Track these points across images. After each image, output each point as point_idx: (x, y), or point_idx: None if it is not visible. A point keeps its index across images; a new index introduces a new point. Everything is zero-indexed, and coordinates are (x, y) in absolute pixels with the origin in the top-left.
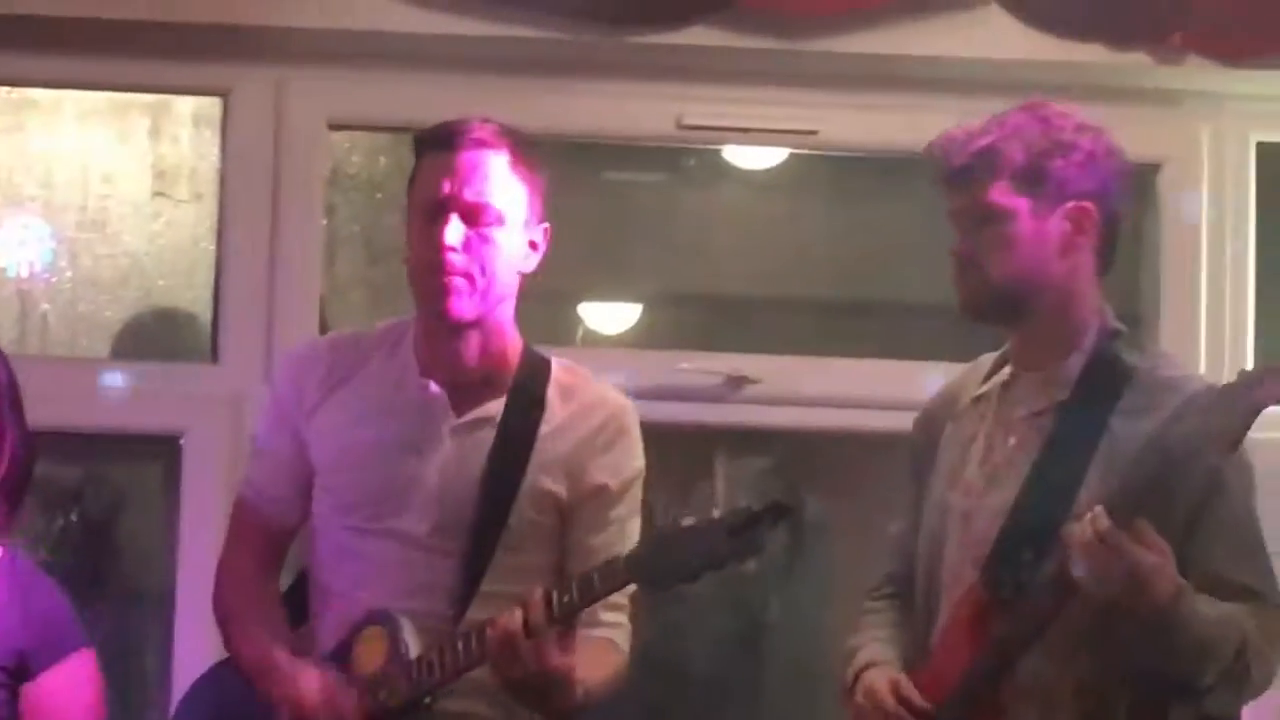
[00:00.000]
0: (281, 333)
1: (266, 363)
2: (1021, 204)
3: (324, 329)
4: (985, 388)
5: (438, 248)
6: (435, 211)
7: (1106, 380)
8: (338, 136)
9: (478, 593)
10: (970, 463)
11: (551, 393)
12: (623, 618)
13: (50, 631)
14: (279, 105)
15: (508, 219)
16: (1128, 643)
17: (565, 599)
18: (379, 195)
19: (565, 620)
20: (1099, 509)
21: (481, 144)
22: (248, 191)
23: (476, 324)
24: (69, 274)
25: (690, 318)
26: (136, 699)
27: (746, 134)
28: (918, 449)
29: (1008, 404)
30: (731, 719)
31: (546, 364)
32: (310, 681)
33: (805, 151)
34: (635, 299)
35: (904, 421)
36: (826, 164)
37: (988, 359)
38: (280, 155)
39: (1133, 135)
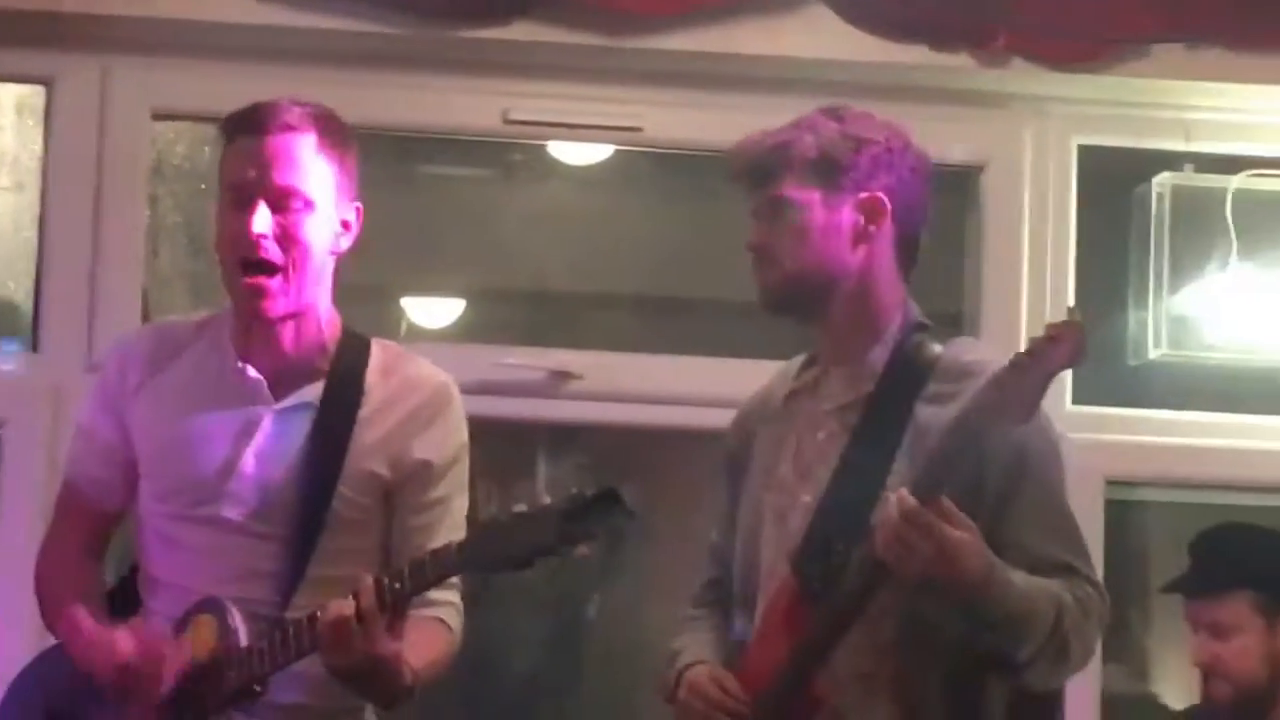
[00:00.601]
0: (103, 323)
1: (87, 352)
2: (813, 196)
3: (146, 319)
4: (796, 386)
5: (246, 238)
6: (242, 198)
7: (911, 370)
8: (161, 127)
9: (304, 578)
10: (783, 461)
11: (371, 374)
12: (454, 596)
13: None
14: (103, 94)
15: (317, 203)
16: (942, 622)
17: (397, 586)
18: (203, 186)
19: (397, 607)
20: (903, 490)
21: (288, 128)
22: (70, 181)
23: (292, 315)
24: None
25: (513, 313)
26: None
27: (572, 130)
28: (733, 452)
29: (817, 400)
30: (552, 715)
31: (366, 345)
32: (124, 641)
33: (630, 148)
34: (458, 294)
35: (725, 419)
36: (651, 161)
37: (799, 359)
38: (104, 145)
39: (956, 136)
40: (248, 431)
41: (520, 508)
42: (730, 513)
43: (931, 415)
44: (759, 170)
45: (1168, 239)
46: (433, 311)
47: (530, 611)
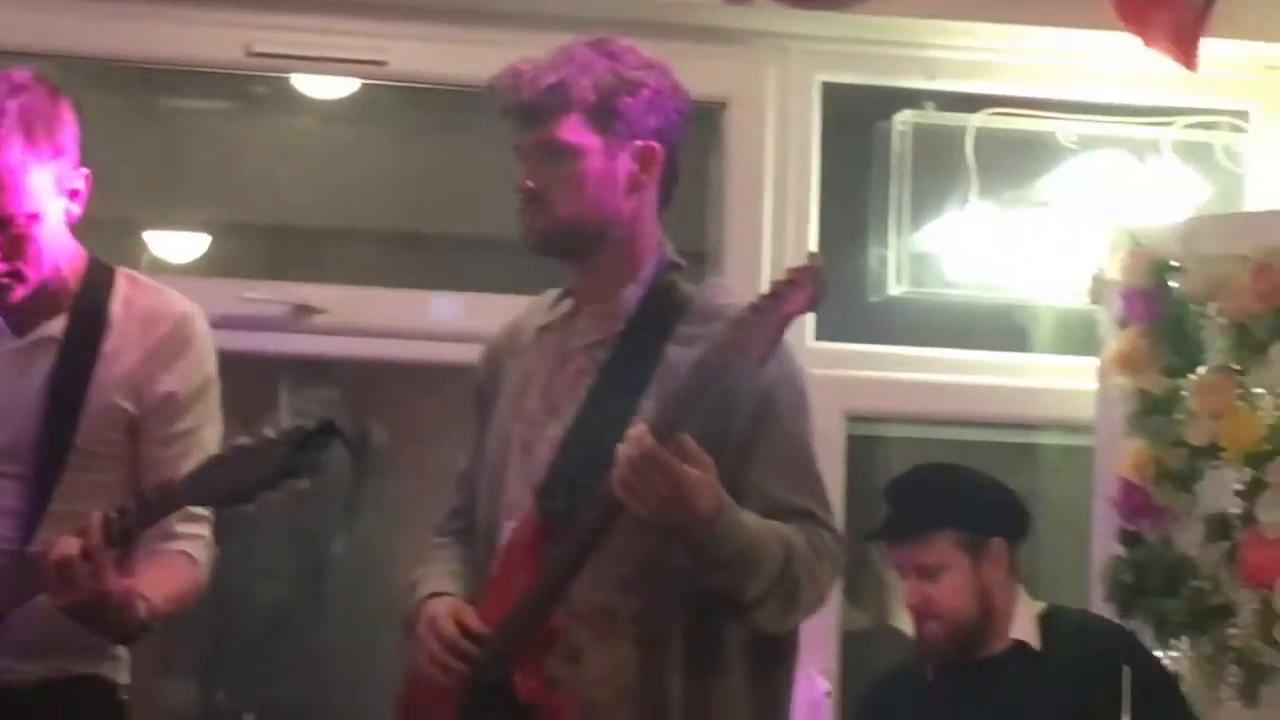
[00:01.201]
0: None
1: None
2: (593, 142)
3: None
4: (547, 321)
5: None
6: None
7: (662, 310)
8: None
9: (46, 514)
10: (531, 394)
11: (115, 306)
12: (202, 529)
13: None
14: None
15: (42, 209)
16: (676, 560)
17: (124, 521)
18: None
19: (123, 543)
20: (641, 427)
21: None
22: None
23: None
24: None
25: (257, 247)
26: None
27: (316, 63)
28: (481, 384)
29: (568, 336)
30: (296, 649)
31: (110, 276)
32: None
33: (375, 82)
34: (201, 228)
35: (469, 353)
36: (396, 95)
37: (552, 294)
38: None
39: (699, 73)
40: None
41: (242, 441)
42: (478, 443)
43: (681, 356)
44: (533, 110)
45: (909, 177)
46: (175, 246)
47: (277, 545)
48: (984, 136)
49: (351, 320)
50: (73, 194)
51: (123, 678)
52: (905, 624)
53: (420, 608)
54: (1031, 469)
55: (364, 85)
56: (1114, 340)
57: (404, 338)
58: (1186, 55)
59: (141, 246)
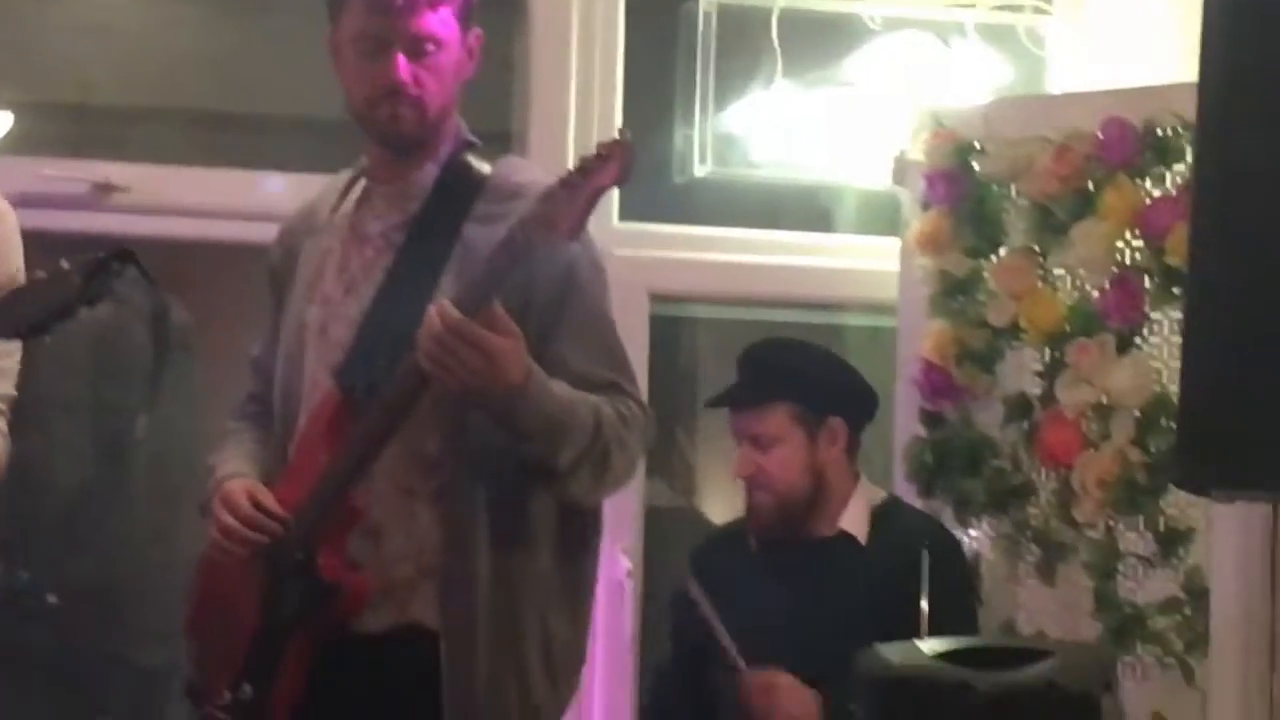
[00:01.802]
0: None
1: None
2: (454, 34)
3: None
4: (344, 201)
5: None
6: None
7: (459, 189)
8: None
9: None
10: (327, 275)
11: None
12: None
13: None
14: None
15: None
16: (485, 431)
17: None
18: None
19: None
20: (445, 302)
21: None
22: None
23: None
24: None
25: (59, 125)
26: None
27: None
28: (277, 266)
29: (364, 217)
30: (98, 531)
31: None
32: None
33: None
34: (3, 105)
35: (269, 233)
36: None
37: (346, 174)
38: None
39: None
40: None
41: (38, 274)
42: (273, 326)
43: (479, 235)
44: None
45: (713, 57)
46: None
47: (78, 426)
48: (789, 17)
49: (153, 199)
50: None
51: None
52: (709, 505)
53: (216, 488)
54: (835, 350)
55: None
56: (916, 221)
57: (207, 217)
58: None
59: None
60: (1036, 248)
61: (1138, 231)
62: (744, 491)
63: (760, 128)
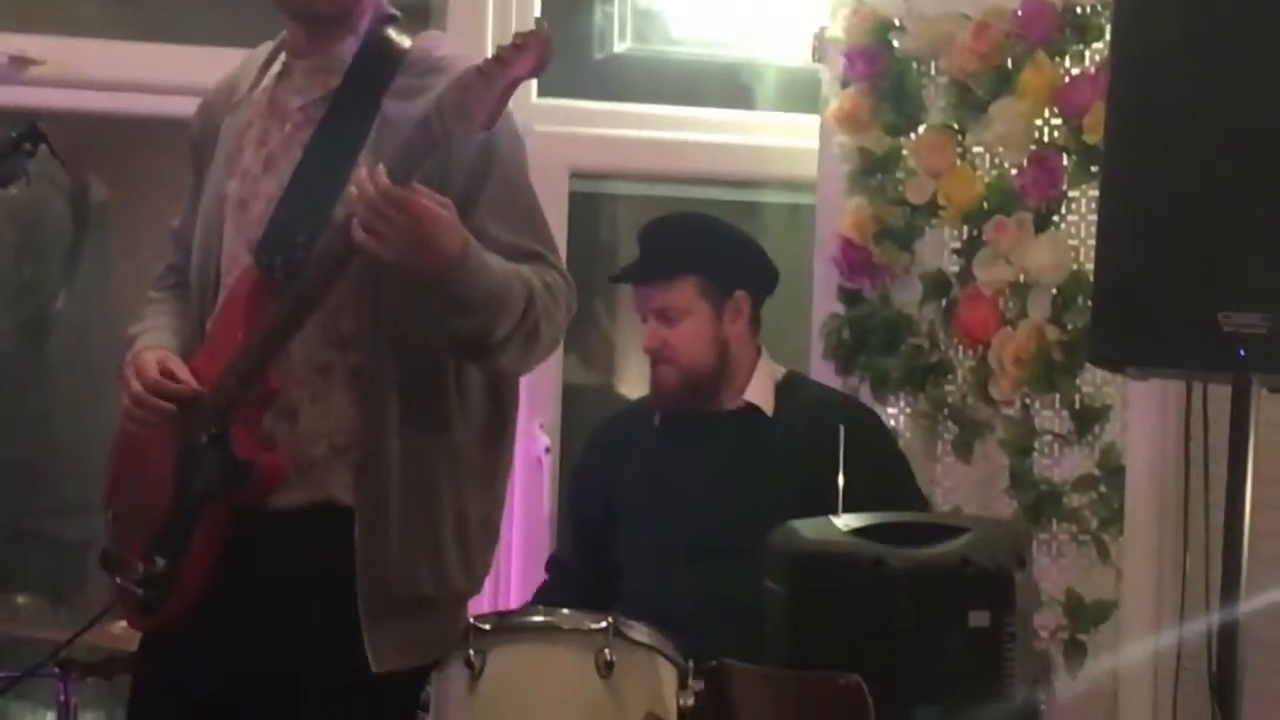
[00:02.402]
0: None
1: None
2: None
3: None
4: (264, 76)
5: None
6: None
7: (378, 64)
8: None
9: None
10: (247, 150)
11: None
12: None
13: None
14: None
15: None
16: (402, 308)
17: None
18: None
19: None
20: (379, 167)
21: None
22: None
23: None
24: None
25: None
26: None
27: None
28: (196, 141)
29: (284, 92)
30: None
31: None
32: None
33: None
34: None
35: (190, 107)
36: None
37: (266, 48)
38: None
39: None
40: None
41: None
42: (193, 200)
43: (399, 110)
44: None
45: None
46: None
47: None
48: None
49: (70, 72)
50: None
51: None
52: (626, 384)
53: (131, 359)
54: (754, 227)
55: None
56: (835, 99)
57: (123, 90)
58: None
59: None
60: (955, 125)
61: (1056, 110)
62: (650, 366)
63: (680, 3)
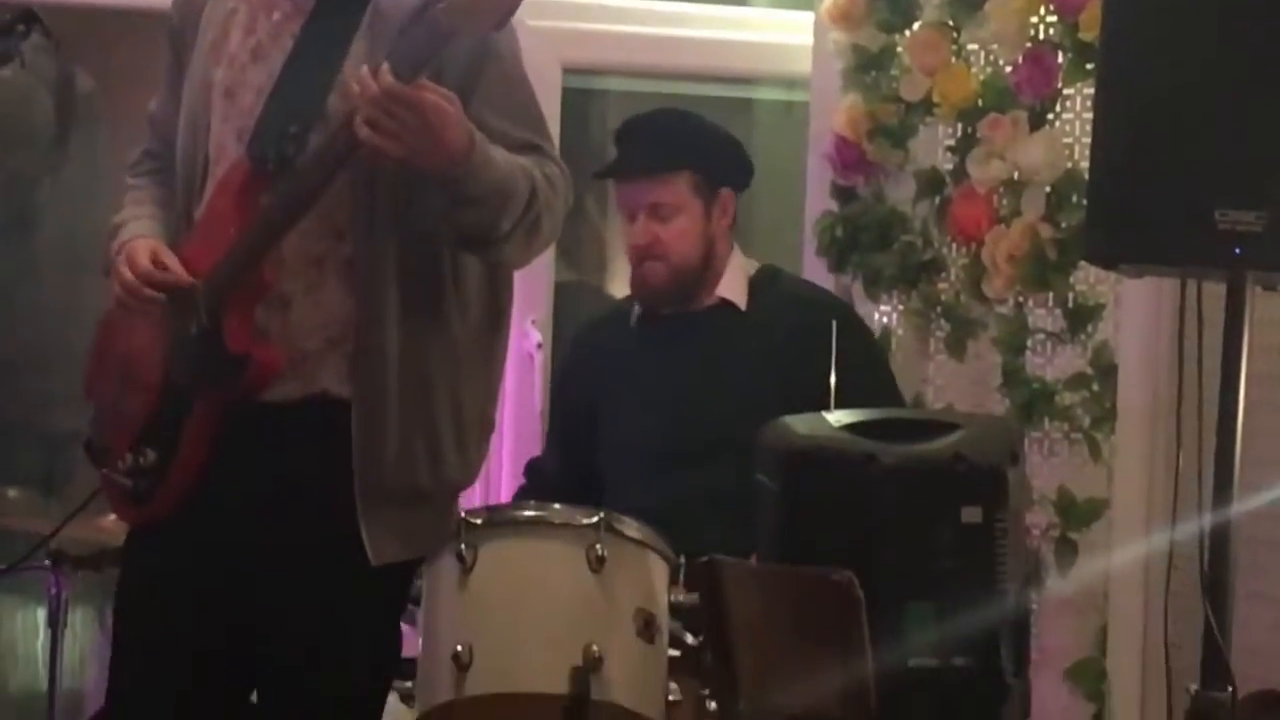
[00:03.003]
0: None
1: None
2: None
3: None
4: None
5: None
6: None
7: None
8: None
9: None
10: (233, 37)
11: None
12: None
13: None
14: None
15: None
16: (400, 199)
17: None
18: None
19: None
20: (385, 67)
21: None
22: None
23: None
24: None
25: None
26: None
27: None
28: (176, 26)
29: None
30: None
31: None
32: None
33: None
34: None
35: None
36: None
37: None
38: None
39: None
40: None
41: None
42: (171, 86)
43: (388, 2)
44: None
45: None
46: None
47: None
48: None
49: None
50: None
51: None
52: (617, 281)
53: (122, 249)
54: (747, 124)
55: None
56: None
57: None
58: None
59: None
60: (950, 22)
61: (1051, 7)
62: (634, 263)
63: None
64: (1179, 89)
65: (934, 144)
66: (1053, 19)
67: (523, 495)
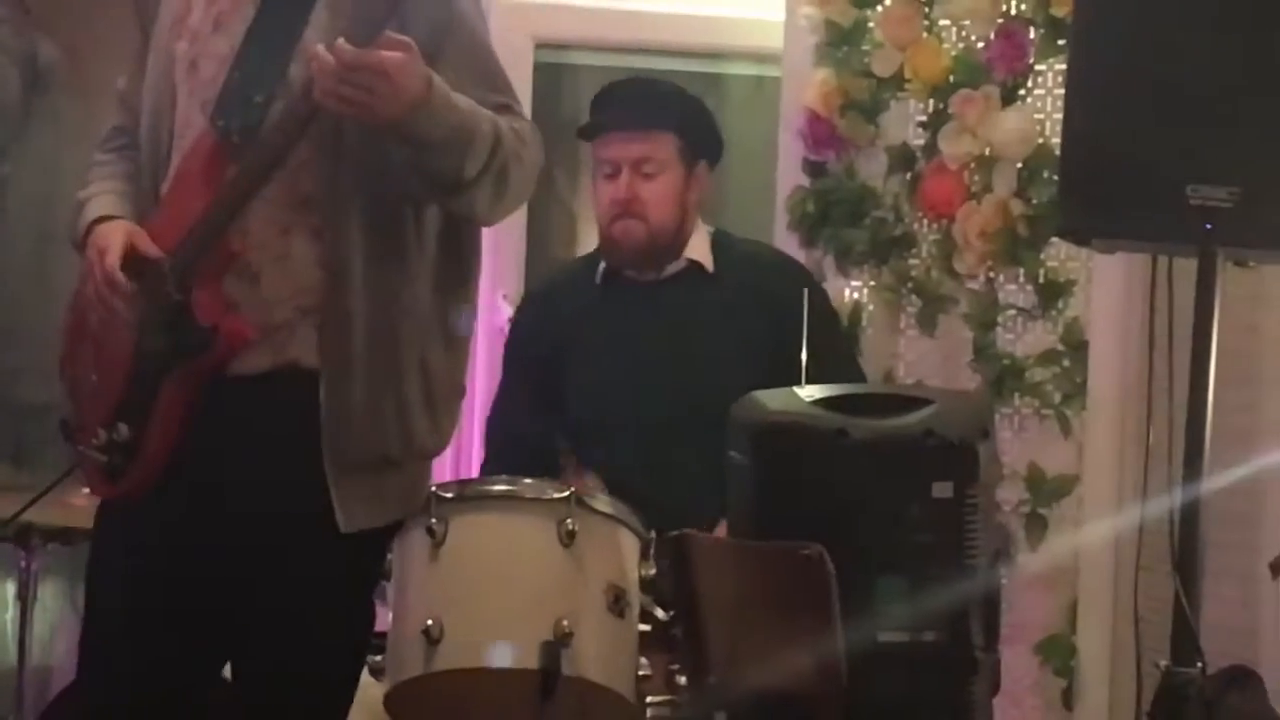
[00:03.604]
0: None
1: None
2: None
3: None
4: None
5: None
6: None
7: None
8: None
9: None
10: (194, 10)
11: None
12: None
13: None
14: None
15: None
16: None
17: None
18: None
19: None
20: (340, 42)
21: None
22: None
23: None
24: None
25: None
26: None
27: None
28: (141, 2)
29: None
30: None
31: None
32: None
33: None
34: None
35: None
36: None
37: None
38: None
39: None
40: None
41: None
42: (138, 60)
43: None
44: None
45: None
46: None
47: None
48: None
49: None
50: None
51: None
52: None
53: (90, 230)
54: (719, 99)
55: None
56: None
57: None
58: None
59: None
60: None
61: None
62: (610, 220)
63: None
64: (1151, 66)
65: (905, 119)
66: None
67: (495, 461)
